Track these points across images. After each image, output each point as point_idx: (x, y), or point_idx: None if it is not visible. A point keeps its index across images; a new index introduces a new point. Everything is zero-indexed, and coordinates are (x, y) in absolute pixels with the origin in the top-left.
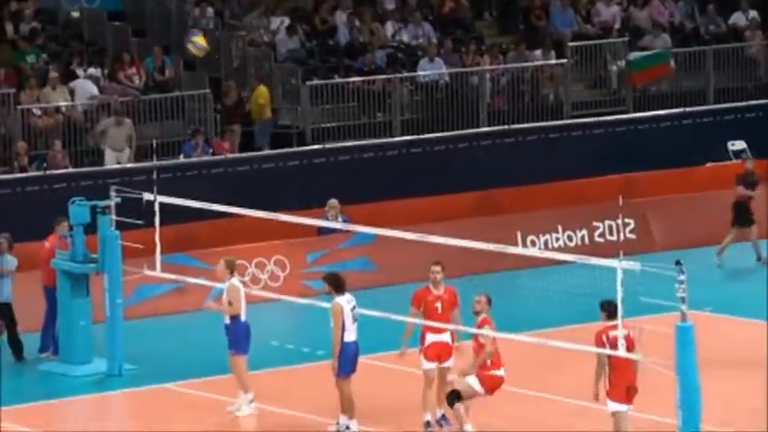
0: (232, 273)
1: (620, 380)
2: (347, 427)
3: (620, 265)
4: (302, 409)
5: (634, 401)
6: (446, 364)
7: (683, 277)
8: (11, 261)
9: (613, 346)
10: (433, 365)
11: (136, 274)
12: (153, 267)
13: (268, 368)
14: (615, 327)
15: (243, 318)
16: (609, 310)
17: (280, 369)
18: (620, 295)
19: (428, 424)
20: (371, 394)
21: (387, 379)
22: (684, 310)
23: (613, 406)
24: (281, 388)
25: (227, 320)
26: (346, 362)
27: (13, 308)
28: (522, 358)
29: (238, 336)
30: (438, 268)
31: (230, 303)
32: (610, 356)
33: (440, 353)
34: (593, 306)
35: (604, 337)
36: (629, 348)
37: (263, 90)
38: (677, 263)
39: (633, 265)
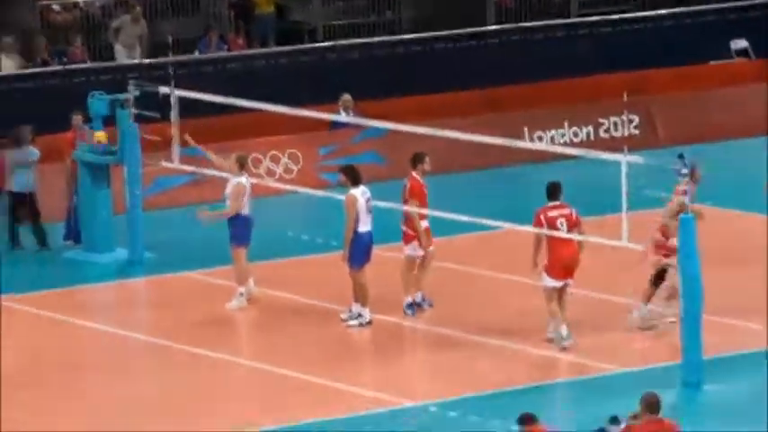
0: (242, 169)
1: (556, 258)
2: (359, 315)
3: (624, 159)
4: (315, 297)
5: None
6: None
7: (685, 171)
8: (33, 152)
9: (551, 225)
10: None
11: (154, 166)
12: (170, 160)
13: (283, 258)
14: (554, 207)
15: (245, 212)
16: (549, 191)
17: (294, 259)
18: (624, 188)
19: (410, 305)
20: (381, 283)
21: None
22: (686, 202)
23: (547, 281)
24: (294, 276)
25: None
26: (359, 252)
27: (37, 198)
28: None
29: (239, 228)
30: (427, 159)
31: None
32: (547, 235)
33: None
34: (598, 200)
35: (542, 217)
36: (571, 228)
37: None
38: (680, 156)
39: (637, 159)
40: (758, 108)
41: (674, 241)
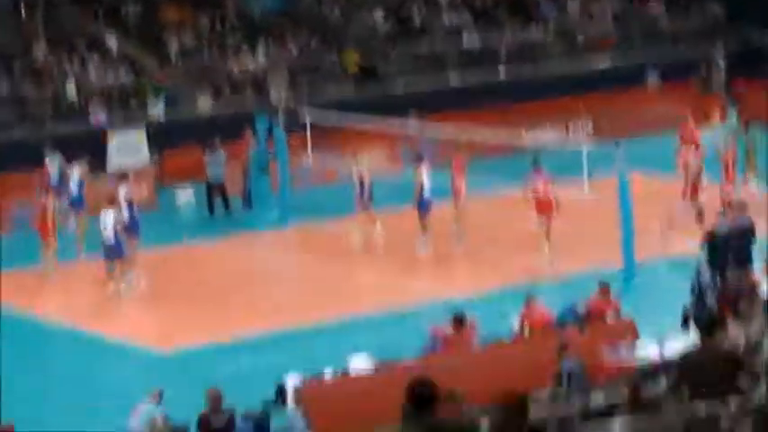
0: (357, 163)
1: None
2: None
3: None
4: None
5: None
6: None
7: (620, 149)
8: (222, 155)
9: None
10: None
11: (297, 160)
12: (307, 156)
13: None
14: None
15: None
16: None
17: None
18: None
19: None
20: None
21: None
22: (622, 168)
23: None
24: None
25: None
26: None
27: (225, 184)
28: None
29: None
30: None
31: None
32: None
33: None
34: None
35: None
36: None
37: None
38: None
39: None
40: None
41: None
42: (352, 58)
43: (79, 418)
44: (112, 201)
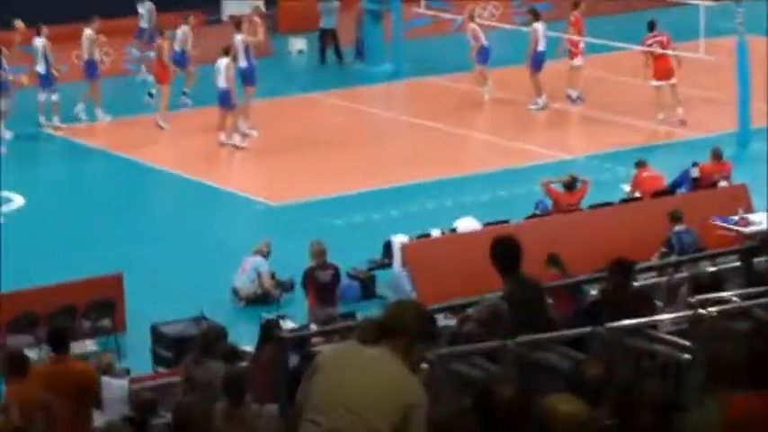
0: (471, 19)
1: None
2: (536, 104)
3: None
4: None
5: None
6: None
7: (740, 9)
8: (335, 2)
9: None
10: None
11: (410, 11)
12: (419, 7)
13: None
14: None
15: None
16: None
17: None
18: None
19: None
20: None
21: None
22: (742, 31)
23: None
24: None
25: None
26: (537, 61)
27: (337, 32)
28: None
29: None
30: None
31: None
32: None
33: None
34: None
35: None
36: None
37: None
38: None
39: (711, 2)
40: None
41: None
42: None
43: (187, 267)
44: (228, 49)
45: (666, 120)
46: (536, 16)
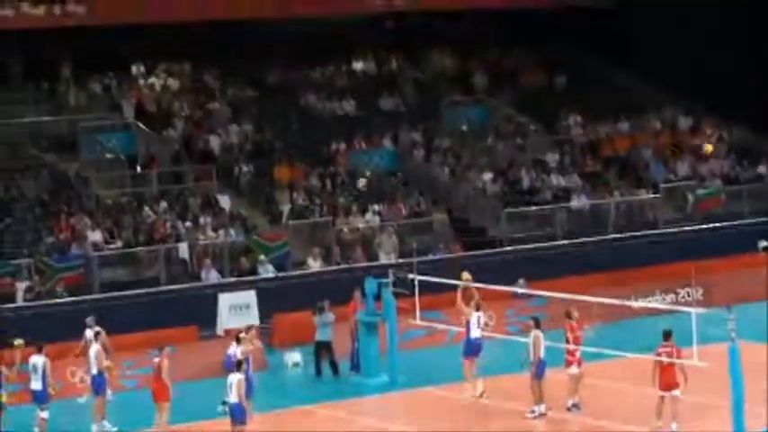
0: (478, 309)
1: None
2: (534, 411)
3: (694, 311)
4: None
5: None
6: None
7: (732, 317)
8: (330, 316)
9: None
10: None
11: (404, 323)
12: (415, 320)
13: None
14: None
15: (472, 336)
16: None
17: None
18: (694, 329)
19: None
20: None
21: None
22: (734, 337)
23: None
24: (497, 389)
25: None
26: (541, 369)
27: (333, 345)
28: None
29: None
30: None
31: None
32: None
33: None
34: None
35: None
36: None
37: None
38: (728, 308)
39: (702, 310)
40: None
41: None
42: None
43: None
44: (240, 364)
45: (659, 429)
46: (537, 324)
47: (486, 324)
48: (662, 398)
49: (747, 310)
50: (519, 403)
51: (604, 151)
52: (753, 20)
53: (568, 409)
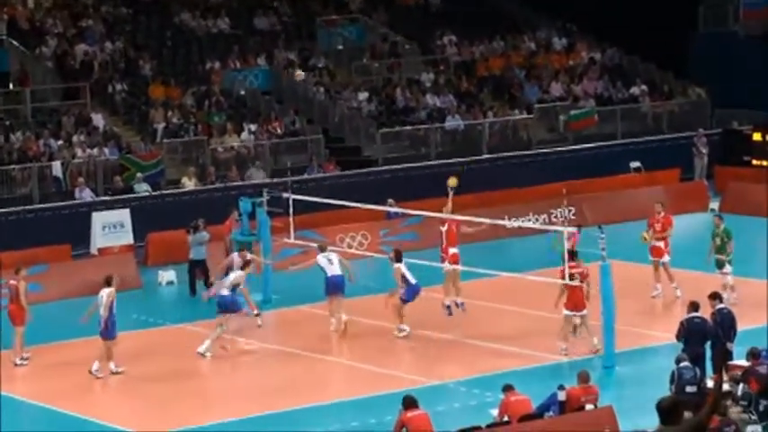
0: (322, 250)
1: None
2: (401, 330)
3: (565, 229)
4: (380, 318)
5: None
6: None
7: (603, 236)
8: (204, 235)
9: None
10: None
11: (279, 242)
12: (289, 239)
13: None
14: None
15: (328, 274)
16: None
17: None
18: (566, 247)
19: (448, 307)
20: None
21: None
22: (604, 255)
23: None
24: (369, 308)
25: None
26: (410, 294)
27: (207, 263)
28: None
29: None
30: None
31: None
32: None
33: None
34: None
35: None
36: (582, 279)
37: None
38: (599, 228)
39: (572, 229)
40: (642, 202)
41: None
42: None
43: None
44: (109, 279)
45: (569, 350)
46: (398, 257)
47: (360, 244)
48: (567, 318)
49: (619, 229)
50: (388, 322)
51: (479, 71)
52: None
53: (447, 307)
